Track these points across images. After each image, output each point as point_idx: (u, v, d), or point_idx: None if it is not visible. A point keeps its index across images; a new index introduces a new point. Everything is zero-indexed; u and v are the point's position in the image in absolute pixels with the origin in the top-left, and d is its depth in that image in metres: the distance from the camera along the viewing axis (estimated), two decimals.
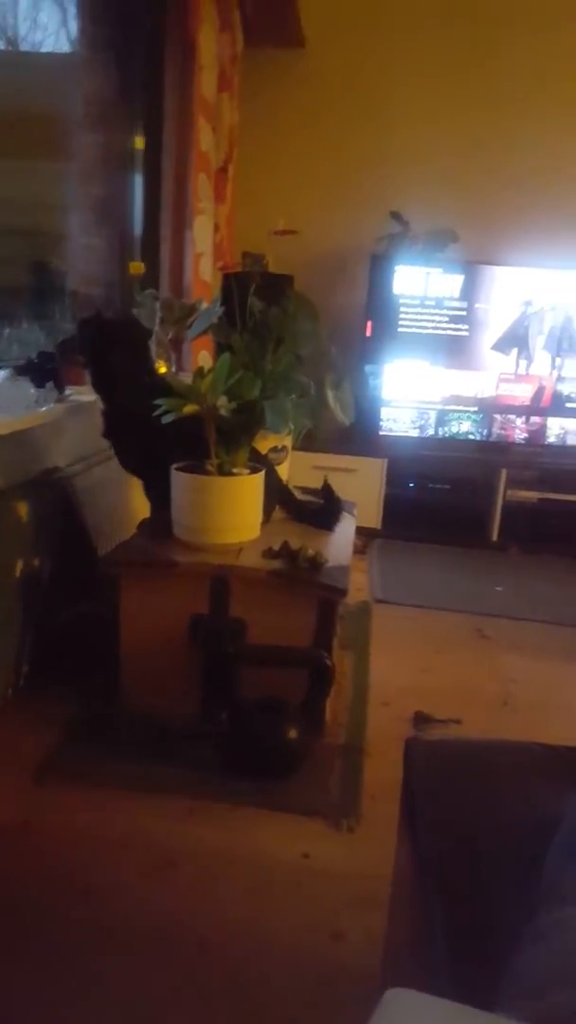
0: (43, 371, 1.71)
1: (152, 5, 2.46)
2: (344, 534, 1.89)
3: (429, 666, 1.95)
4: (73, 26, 2.67)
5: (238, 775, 1.39)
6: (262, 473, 1.63)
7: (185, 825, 1.28)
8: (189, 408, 1.45)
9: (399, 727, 1.62)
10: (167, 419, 1.45)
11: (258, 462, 1.70)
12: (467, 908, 0.71)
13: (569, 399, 3.00)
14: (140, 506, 1.90)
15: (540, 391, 3.00)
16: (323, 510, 1.90)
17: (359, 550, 2.94)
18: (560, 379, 2.98)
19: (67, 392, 1.81)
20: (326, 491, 1.94)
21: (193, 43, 2.25)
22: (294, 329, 1.86)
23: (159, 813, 1.31)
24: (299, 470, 3.01)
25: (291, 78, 3.21)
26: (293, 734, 1.40)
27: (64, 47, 3.31)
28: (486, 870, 0.74)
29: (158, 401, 1.47)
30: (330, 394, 1.93)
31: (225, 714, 1.44)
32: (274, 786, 1.37)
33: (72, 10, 2.75)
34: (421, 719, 1.63)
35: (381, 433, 3.08)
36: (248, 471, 1.61)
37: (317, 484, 2.12)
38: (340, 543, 1.81)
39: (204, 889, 1.16)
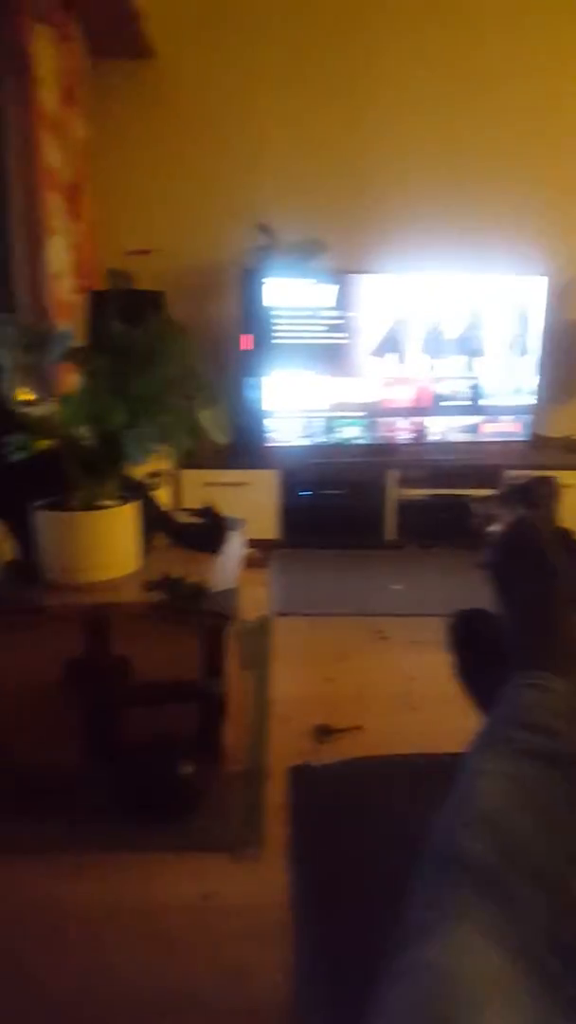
0: None
1: None
2: (231, 555, 1.86)
3: (330, 675, 1.95)
4: None
5: (131, 821, 1.33)
6: (135, 503, 1.57)
7: (73, 884, 1.21)
8: (41, 443, 1.38)
9: (301, 743, 1.61)
10: (16, 457, 1.37)
11: (132, 489, 1.65)
12: (345, 940, 0.69)
13: (447, 397, 3.11)
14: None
15: (419, 392, 3.09)
16: (206, 532, 1.86)
17: (260, 563, 2.92)
18: (436, 379, 3.08)
19: None
20: (208, 512, 1.91)
21: (25, 54, 2.16)
22: (161, 349, 1.82)
23: (42, 873, 1.23)
24: (190, 489, 2.98)
25: (144, 90, 3.15)
26: (188, 770, 1.35)
27: None
28: (367, 899, 0.73)
29: (7, 439, 1.39)
30: (203, 413, 1.90)
31: (111, 759, 1.38)
32: (172, 826, 1.33)
33: None
34: (322, 731, 1.62)
35: (270, 444, 3.08)
36: (119, 502, 1.55)
37: (212, 502, 2.08)
38: (226, 564, 1.78)
39: (98, 950, 1.10)
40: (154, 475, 2.23)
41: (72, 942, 1.11)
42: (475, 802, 0.61)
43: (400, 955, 0.50)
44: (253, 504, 3.02)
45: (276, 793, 1.43)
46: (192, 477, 3.00)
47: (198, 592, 1.52)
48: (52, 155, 2.31)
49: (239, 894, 1.19)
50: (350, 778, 0.92)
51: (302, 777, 0.95)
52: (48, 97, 2.29)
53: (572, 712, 0.71)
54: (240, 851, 1.27)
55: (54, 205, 2.33)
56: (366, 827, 0.80)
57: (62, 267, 2.42)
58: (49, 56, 2.31)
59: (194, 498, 2.75)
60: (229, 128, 3.22)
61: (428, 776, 0.90)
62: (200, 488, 2.92)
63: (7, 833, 1.32)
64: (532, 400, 3.15)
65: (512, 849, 0.56)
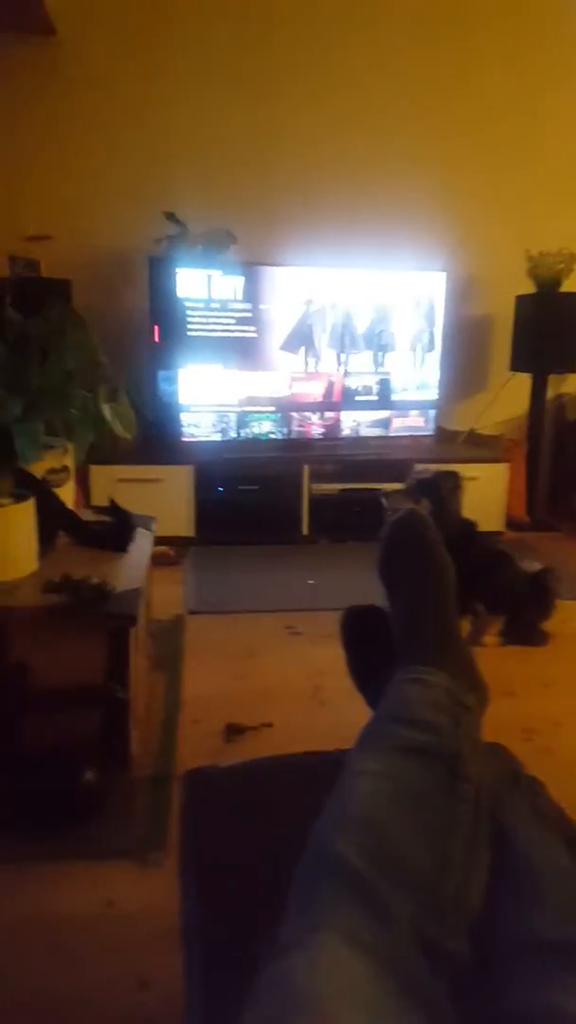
0: None
1: None
2: (137, 553, 1.81)
3: (241, 672, 1.95)
4: None
5: (33, 831, 1.28)
6: (30, 500, 1.51)
7: None
8: None
9: (211, 743, 1.59)
10: None
11: (31, 486, 1.58)
12: (231, 951, 0.68)
13: (357, 392, 3.16)
14: None
15: (330, 387, 3.12)
16: (112, 530, 1.81)
17: (174, 561, 2.88)
18: (347, 374, 3.12)
19: None
20: (114, 509, 1.86)
21: None
22: (61, 340, 1.75)
23: None
24: (101, 486, 2.90)
25: (46, 69, 3.03)
26: (90, 777, 1.31)
27: None
28: (256, 907, 0.72)
29: None
30: (106, 408, 1.84)
31: (10, 769, 1.32)
32: (75, 834, 1.29)
33: None
34: (232, 730, 1.61)
35: (184, 439, 3.04)
36: (11, 500, 1.48)
37: (123, 498, 2.02)
38: (133, 563, 1.73)
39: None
40: (56, 471, 2.15)
41: None
42: (351, 804, 0.61)
43: (265, 970, 0.49)
44: (167, 500, 2.97)
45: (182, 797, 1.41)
46: (103, 473, 2.92)
47: (101, 593, 1.47)
48: None
49: (143, 901, 1.17)
50: (247, 780, 0.92)
51: (197, 781, 0.94)
52: None
53: (453, 705, 0.73)
54: (144, 857, 1.25)
55: None
56: (260, 832, 0.80)
57: None
58: None
59: (105, 495, 2.67)
60: (137, 114, 3.14)
61: (327, 775, 0.90)
62: (112, 485, 2.85)
63: None
64: (436, 395, 3.24)
65: (384, 853, 0.56)
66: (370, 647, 0.92)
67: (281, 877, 0.59)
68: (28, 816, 1.30)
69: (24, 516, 1.48)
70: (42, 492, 1.63)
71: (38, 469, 1.77)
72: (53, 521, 1.70)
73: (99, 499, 2.76)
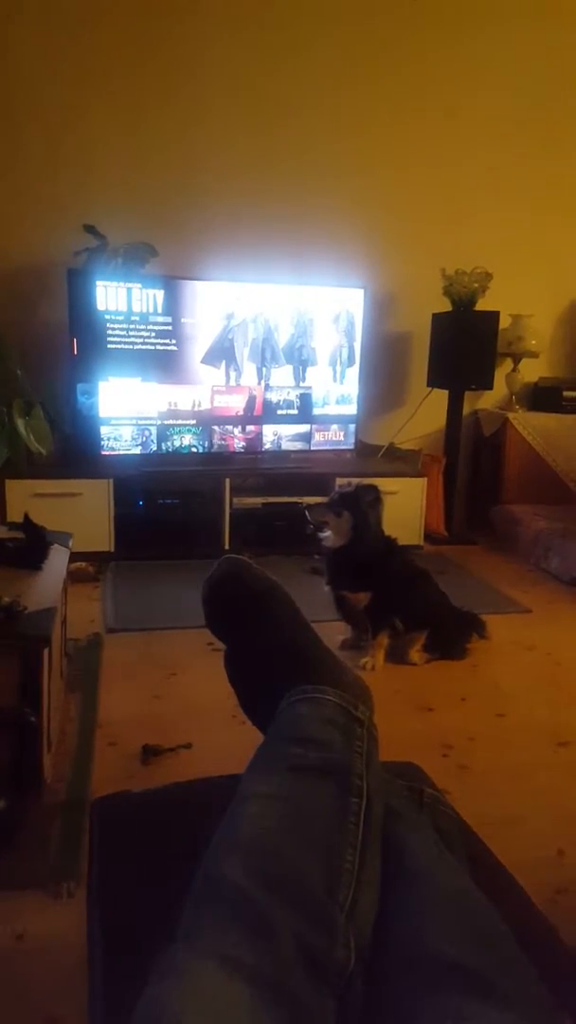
0: None
1: None
2: (53, 571, 1.77)
3: (161, 692, 1.92)
4: None
5: None
6: None
7: None
8: None
9: (127, 766, 1.57)
10: None
11: None
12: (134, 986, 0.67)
13: (278, 406, 3.19)
14: None
15: (252, 400, 3.14)
16: (25, 548, 1.76)
17: (92, 578, 2.82)
18: (268, 388, 3.15)
19: None
20: (27, 526, 1.81)
21: None
22: None
23: None
24: (17, 501, 2.80)
25: None
26: (1, 805, 1.27)
27: None
28: (161, 939, 0.71)
29: None
30: (20, 422, 1.80)
31: None
32: None
33: None
34: (149, 752, 1.59)
35: (103, 453, 2.99)
36: None
37: (39, 514, 1.95)
38: (48, 582, 1.69)
39: None
40: None
41: None
42: (240, 828, 0.62)
43: (144, 993, 0.49)
44: (86, 515, 2.90)
45: None
46: (20, 488, 2.82)
47: (11, 614, 1.43)
48: None
49: (54, 933, 1.13)
50: (159, 806, 0.91)
51: (107, 808, 0.92)
52: None
53: (345, 720, 0.75)
54: (56, 887, 1.21)
55: None
56: (172, 859, 0.79)
57: None
58: None
59: (21, 511, 2.59)
60: (57, 124, 3.09)
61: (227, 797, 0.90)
62: (28, 499, 2.76)
63: None
64: (356, 410, 3.31)
65: (271, 871, 0.57)
66: (253, 679, 0.92)
67: (164, 910, 0.59)
68: None
69: None
70: None
71: None
72: None
73: (15, 515, 2.67)
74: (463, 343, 3.30)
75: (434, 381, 3.46)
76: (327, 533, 2.21)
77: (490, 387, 3.43)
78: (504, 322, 3.41)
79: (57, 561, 1.84)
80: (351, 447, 3.34)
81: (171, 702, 1.87)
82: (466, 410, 3.60)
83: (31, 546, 1.78)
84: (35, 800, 1.40)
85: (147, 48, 3.12)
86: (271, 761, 0.71)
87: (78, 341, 2.89)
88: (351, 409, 3.31)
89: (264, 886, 0.55)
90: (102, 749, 1.62)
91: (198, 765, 1.55)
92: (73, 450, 2.98)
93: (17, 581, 1.64)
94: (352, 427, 3.33)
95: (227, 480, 3.07)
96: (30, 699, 1.41)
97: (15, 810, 1.30)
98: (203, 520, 3.11)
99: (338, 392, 3.27)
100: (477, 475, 3.80)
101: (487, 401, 3.77)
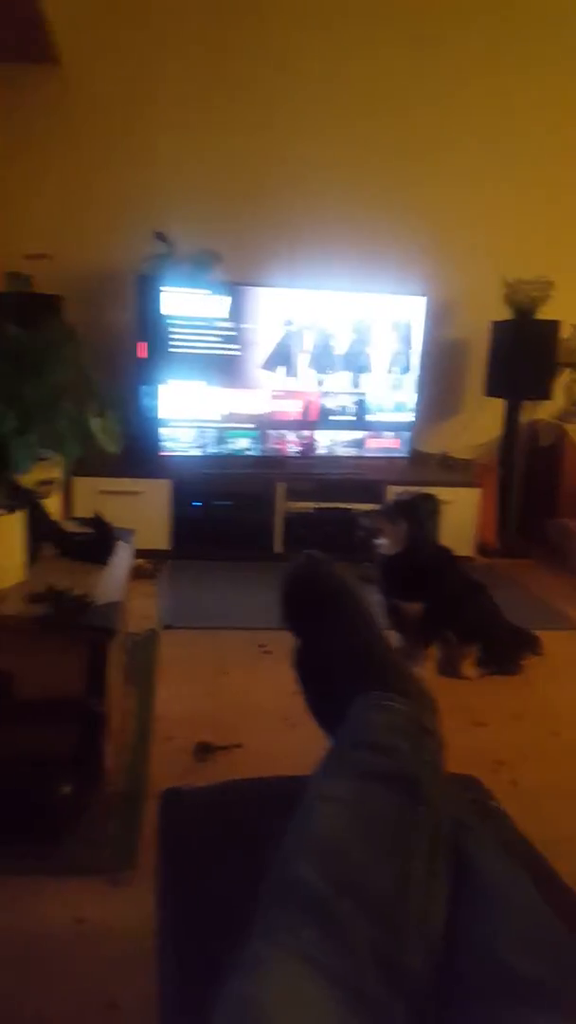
0: None
1: None
2: (118, 566, 1.83)
3: (213, 690, 1.97)
4: None
5: (8, 842, 1.28)
6: (22, 512, 1.52)
7: None
8: None
9: (183, 761, 1.61)
10: None
11: (20, 498, 1.59)
12: (205, 973, 0.70)
13: (334, 412, 3.21)
14: None
15: (307, 406, 3.17)
16: (94, 543, 1.83)
17: (149, 575, 2.89)
18: (324, 394, 3.18)
19: None
20: (96, 522, 1.87)
21: None
22: (54, 355, 1.77)
23: None
24: (82, 497, 2.90)
25: (47, 95, 3.09)
26: (65, 790, 1.32)
27: None
28: (230, 931, 0.74)
29: None
30: (94, 422, 1.86)
31: None
32: (46, 849, 1.29)
33: None
34: (202, 749, 1.63)
35: (163, 454, 3.06)
36: (4, 511, 1.49)
37: (103, 510, 2.03)
38: (113, 576, 1.75)
39: None
40: (44, 483, 2.16)
41: None
42: (313, 828, 0.63)
43: (224, 988, 0.51)
44: (145, 513, 2.98)
45: (154, 814, 1.42)
46: (85, 485, 2.92)
47: (82, 605, 1.49)
48: None
49: (112, 919, 1.18)
50: (222, 802, 0.94)
51: (173, 802, 0.96)
52: None
53: (414, 729, 0.76)
54: (115, 875, 1.26)
55: None
56: (236, 855, 0.81)
57: None
58: None
59: (87, 506, 2.67)
60: (130, 136, 3.19)
61: (285, 797, 0.93)
62: (93, 496, 2.85)
63: None
64: (412, 417, 3.31)
65: (344, 876, 0.58)
66: (322, 679, 0.94)
67: (252, 901, 0.61)
68: (2, 829, 1.30)
69: (15, 527, 1.49)
70: (31, 503, 1.64)
71: (27, 480, 1.79)
72: (40, 532, 1.71)
73: (81, 510, 2.76)
74: (522, 352, 3.26)
75: (491, 390, 3.42)
76: (382, 541, 2.21)
77: (548, 397, 3.38)
78: (565, 331, 3.35)
79: (122, 557, 1.91)
80: (405, 455, 3.34)
81: (223, 701, 1.91)
82: (523, 420, 3.55)
83: (99, 541, 1.84)
84: (96, 788, 1.45)
85: (219, 61, 3.19)
86: (341, 766, 0.73)
87: (145, 344, 2.97)
88: (406, 417, 3.31)
89: (337, 889, 0.57)
90: (159, 743, 1.67)
91: (250, 765, 1.59)
92: (135, 450, 3.06)
93: (84, 574, 1.71)
94: (406, 435, 3.33)
95: (280, 484, 3.11)
96: (96, 689, 1.46)
97: (78, 797, 1.36)
98: (256, 523, 3.15)
99: (393, 399, 3.28)
100: (532, 487, 3.74)
101: (544, 411, 3.71)
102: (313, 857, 0.60)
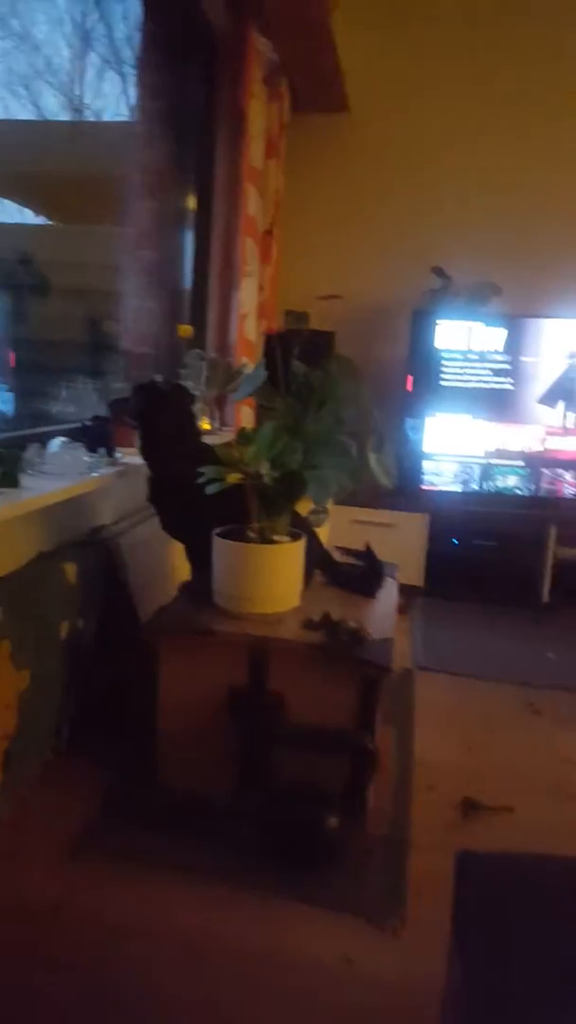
0: (96, 436, 1.72)
1: (206, 81, 2.57)
2: (386, 601, 1.83)
3: (476, 744, 1.85)
4: (132, 93, 2.77)
5: (275, 863, 1.32)
6: (303, 540, 1.59)
7: (222, 916, 1.22)
8: (233, 477, 1.44)
9: (446, 815, 1.53)
10: (211, 489, 1.43)
11: (298, 526, 1.67)
12: None
13: None
14: (181, 565, 1.89)
15: None
16: (364, 575, 1.85)
17: (400, 610, 2.85)
18: None
19: (117, 455, 1.81)
20: (368, 555, 1.89)
21: (243, 115, 2.33)
22: (336, 390, 1.85)
23: (195, 901, 1.25)
24: (338, 525, 2.98)
25: (335, 141, 3.29)
26: (333, 823, 1.33)
27: (124, 113, 3.46)
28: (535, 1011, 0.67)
29: (202, 469, 1.46)
30: (372, 456, 1.89)
31: (261, 796, 1.38)
32: (312, 878, 1.30)
33: (132, 78, 2.85)
34: (469, 806, 1.54)
35: (423, 487, 3.03)
36: (289, 538, 1.57)
37: (357, 540, 2.07)
38: (382, 612, 1.75)
39: (240, 992, 1.09)
40: (316, 512, 2.25)
41: (216, 982, 1.10)
42: None
43: None
44: (399, 547, 2.95)
45: (419, 863, 1.36)
46: (340, 514, 3.00)
47: (358, 638, 1.50)
48: (252, 204, 2.44)
49: (382, 968, 1.14)
50: (523, 875, 0.86)
51: (470, 864, 0.90)
52: (255, 152, 2.43)
53: None
54: (381, 921, 1.22)
55: (249, 250, 2.46)
56: (536, 934, 0.74)
57: (250, 307, 2.54)
58: (259, 114, 2.46)
59: (340, 535, 2.75)
60: (410, 176, 3.26)
61: None
62: (346, 526, 2.92)
63: (162, 849, 1.36)
64: None
65: None
66: None
67: (549, 990, 0.53)
68: (271, 848, 1.34)
69: (296, 554, 1.56)
70: (307, 531, 1.71)
71: (302, 508, 1.88)
72: (313, 560, 1.77)
73: (335, 539, 2.84)
74: None
75: None
76: None
77: None
78: None
79: (389, 592, 1.90)
80: None
81: (488, 758, 1.79)
82: None
83: (368, 574, 1.86)
84: (359, 826, 1.44)
85: (496, 99, 3.14)
86: None
87: (413, 378, 2.99)
88: None
89: None
90: (420, 790, 1.61)
91: (522, 833, 1.46)
92: (396, 482, 3.07)
93: (353, 605, 1.73)
94: None
95: (552, 527, 2.89)
96: (366, 725, 1.46)
97: (344, 831, 1.35)
98: (521, 567, 2.96)
99: None
100: None
101: None
102: None
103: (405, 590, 2.93)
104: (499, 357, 2.92)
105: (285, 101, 2.75)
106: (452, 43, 3.14)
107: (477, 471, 3.01)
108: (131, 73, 2.93)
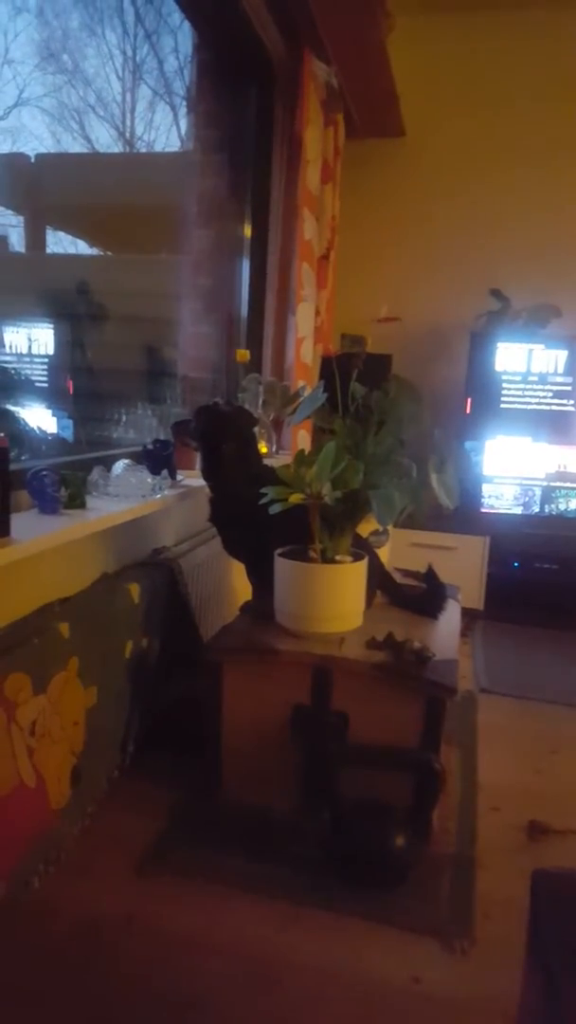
0: (158, 458, 1.79)
1: (261, 109, 2.62)
2: (449, 623, 1.82)
3: (541, 767, 1.82)
4: (183, 123, 2.89)
5: (341, 881, 1.32)
6: (365, 560, 1.61)
7: (289, 934, 1.22)
8: (295, 498, 1.47)
9: (512, 836, 1.51)
10: (274, 509, 1.47)
11: (360, 546, 1.69)
12: None
13: None
14: (241, 585, 1.93)
15: None
16: (427, 596, 1.85)
17: (461, 632, 2.83)
18: None
19: (179, 477, 1.88)
20: (430, 576, 1.90)
21: (300, 141, 2.39)
22: (396, 412, 1.87)
23: (262, 918, 1.26)
24: (397, 548, 2.98)
25: (391, 166, 3.34)
26: (400, 842, 1.32)
27: (175, 144, 3.60)
28: None
29: (265, 490, 1.50)
30: (434, 477, 1.91)
31: (327, 814, 1.39)
32: (379, 897, 1.30)
33: (182, 109, 2.96)
34: (537, 829, 1.51)
35: (482, 510, 3.01)
36: (351, 558, 1.59)
37: (415, 562, 2.07)
38: (445, 633, 1.75)
39: (306, 1009, 1.09)
40: (377, 533, 2.27)
41: (283, 998, 1.11)
42: None
43: None
44: (458, 569, 2.93)
45: (486, 884, 1.35)
46: (399, 536, 3.00)
47: (423, 658, 1.51)
48: (308, 229, 2.50)
49: (452, 988, 1.13)
50: None
51: (545, 883, 0.89)
52: (311, 177, 2.49)
53: None
54: (450, 940, 1.21)
55: (305, 275, 2.52)
56: None
57: (307, 331, 2.59)
58: (315, 140, 2.52)
59: (400, 558, 2.74)
60: (467, 199, 3.29)
61: None
62: (404, 548, 2.91)
63: (229, 866, 1.38)
64: None
65: None
66: None
67: None
68: (337, 865, 1.34)
69: (359, 574, 1.58)
70: (369, 552, 1.73)
71: (364, 530, 1.90)
72: (374, 581, 1.79)
73: (395, 562, 2.84)
74: None
75: None
76: None
77: None
78: None
79: (452, 614, 1.90)
80: None
81: (555, 781, 1.75)
82: None
83: (430, 595, 1.86)
84: (425, 846, 1.43)
85: (551, 120, 3.14)
86: None
87: (472, 400, 2.99)
88: None
89: None
90: (485, 811, 1.59)
91: None
92: (456, 505, 3.06)
93: (415, 626, 1.73)
94: None
95: None
96: (431, 745, 1.46)
97: (411, 850, 1.34)
98: None
99: None
100: None
101: None
102: None
103: (465, 613, 2.90)
104: (560, 379, 2.90)
105: (341, 126, 2.82)
106: (511, 63, 3.16)
107: (538, 493, 2.98)
108: (182, 104, 3.04)
